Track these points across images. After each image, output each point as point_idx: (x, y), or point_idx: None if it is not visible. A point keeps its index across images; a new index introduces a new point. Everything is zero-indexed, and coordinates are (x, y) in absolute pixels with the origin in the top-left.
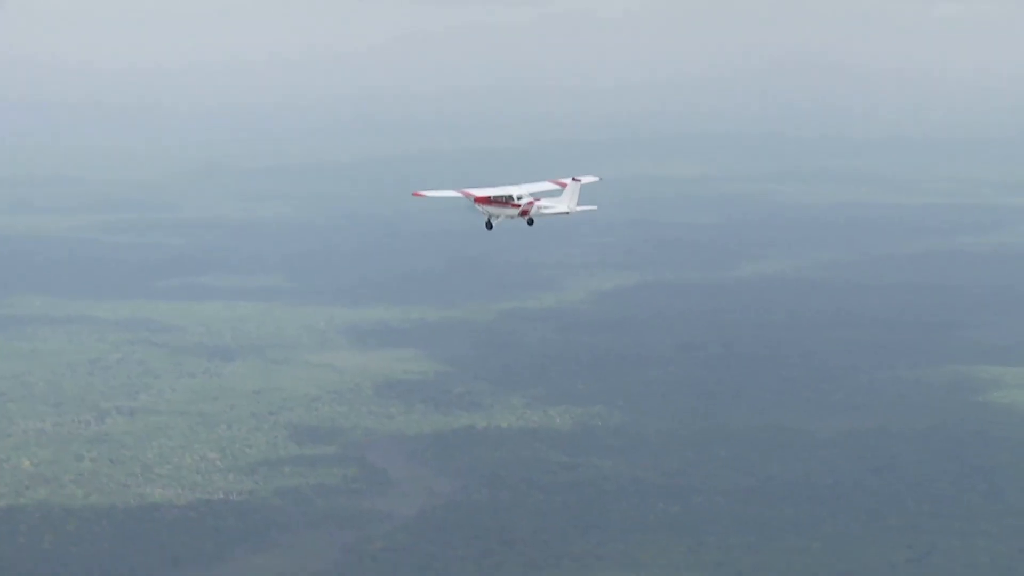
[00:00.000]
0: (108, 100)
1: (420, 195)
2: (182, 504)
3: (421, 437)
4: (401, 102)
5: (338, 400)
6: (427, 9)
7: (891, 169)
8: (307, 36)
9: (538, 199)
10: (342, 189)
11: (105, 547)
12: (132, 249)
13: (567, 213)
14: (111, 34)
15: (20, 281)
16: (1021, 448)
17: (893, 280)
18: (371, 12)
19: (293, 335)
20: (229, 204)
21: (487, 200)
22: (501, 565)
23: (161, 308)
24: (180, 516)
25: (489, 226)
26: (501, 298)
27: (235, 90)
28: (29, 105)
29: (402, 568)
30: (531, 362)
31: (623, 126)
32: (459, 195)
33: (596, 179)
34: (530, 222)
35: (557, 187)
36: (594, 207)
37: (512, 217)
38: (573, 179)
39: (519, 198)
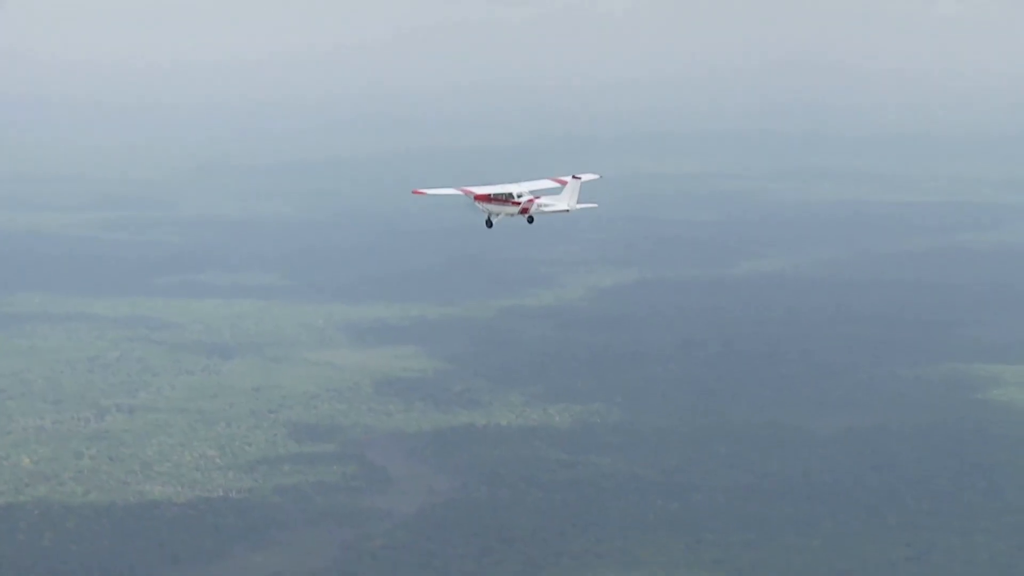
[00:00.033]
0: (107, 98)
1: (420, 193)
2: (181, 502)
3: (420, 435)
4: (400, 99)
5: (337, 398)
6: (427, 6)
7: (891, 167)
8: (307, 33)
9: (538, 197)
10: (341, 186)
11: (105, 545)
12: (131, 246)
13: (567, 211)
14: (111, 32)
15: (19, 278)
16: (1020, 446)
17: (892, 278)
18: (370, 9)
19: (292, 333)
20: (228, 202)
21: (487, 198)
22: (500, 563)
23: (160, 305)
24: (179, 514)
25: (489, 224)
26: (500, 295)
27: (234, 88)
28: (29, 102)
29: (401, 566)
30: (530, 359)
31: (623, 123)
32: (459, 193)
33: (596, 177)
34: (530, 220)
35: (557, 185)
36: (594, 205)
37: (512, 215)
38: (573, 177)
39: (519, 196)
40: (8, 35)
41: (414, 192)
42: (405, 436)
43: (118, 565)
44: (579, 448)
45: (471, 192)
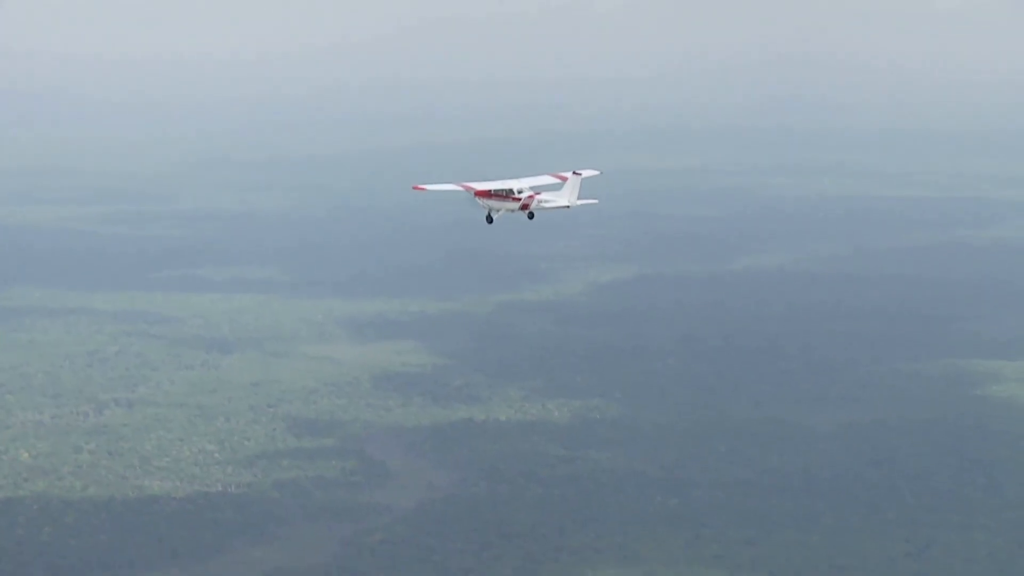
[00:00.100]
0: (106, 93)
1: (420, 188)
2: (180, 496)
3: (419, 430)
4: (400, 95)
5: (336, 393)
6: (426, 2)
7: (890, 163)
8: (306, 29)
9: (538, 193)
10: (340, 181)
11: (103, 539)
12: (130, 241)
13: (567, 207)
14: (110, 27)
15: (18, 272)
16: (1020, 442)
17: (892, 273)
18: (370, 5)
19: (291, 327)
20: (227, 196)
21: (487, 194)
22: (500, 558)
23: (159, 300)
24: (178, 508)
25: (489, 220)
26: (499, 291)
27: (233, 82)
28: (28, 97)
29: (401, 561)
30: (529, 355)
31: (622, 118)
32: (459, 188)
33: (597, 173)
34: (530, 216)
35: (558, 181)
36: (595, 201)
37: (512, 211)
38: (574, 173)
39: (519, 192)
40: (7, 31)
41: (415, 188)
42: (404, 431)
43: (117, 560)
44: (578, 443)
45: (471, 188)
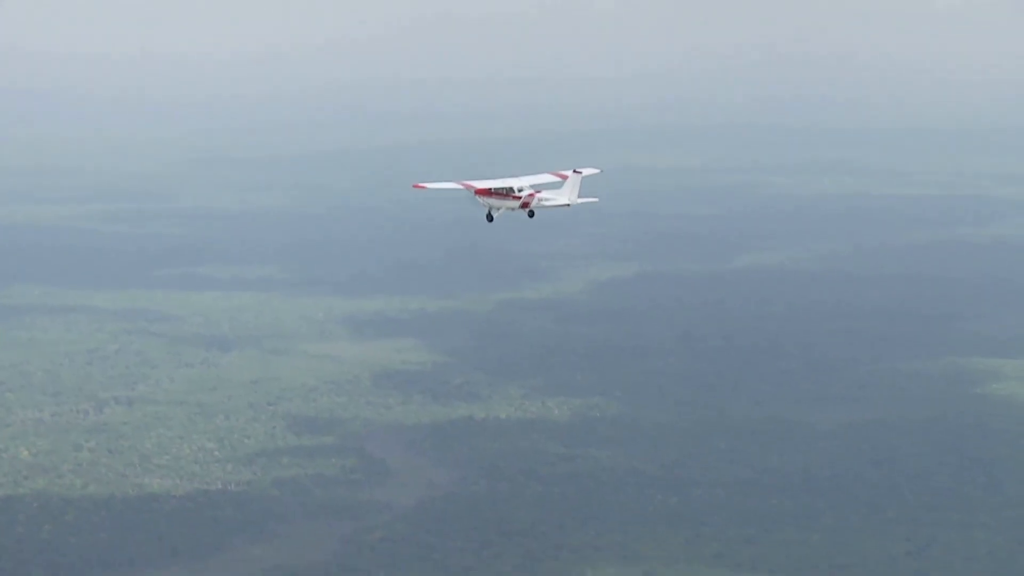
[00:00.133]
0: (106, 91)
1: (421, 187)
2: (180, 494)
3: (419, 428)
4: (399, 93)
5: (336, 391)
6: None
7: (890, 161)
8: (306, 27)
9: (539, 191)
10: (340, 179)
11: (103, 537)
12: (130, 239)
13: (568, 205)
14: (110, 26)
15: (18, 270)
16: (1020, 440)
17: (892, 272)
18: (370, 3)
19: (291, 325)
20: (227, 194)
21: (488, 192)
22: (499, 556)
23: (159, 298)
24: (178, 506)
25: (490, 218)
26: (499, 289)
27: (234, 81)
28: (27, 95)
29: (400, 559)
30: (529, 353)
31: (621, 117)
32: (460, 187)
33: (597, 171)
34: (531, 214)
35: (558, 179)
36: (595, 199)
37: (513, 209)
38: (574, 171)
39: (520, 190)
40: (8, 29)
41: (415, 186)
42: (404, 429)
43: (117, 558)
44: (578, 442)
45: (472, 186)
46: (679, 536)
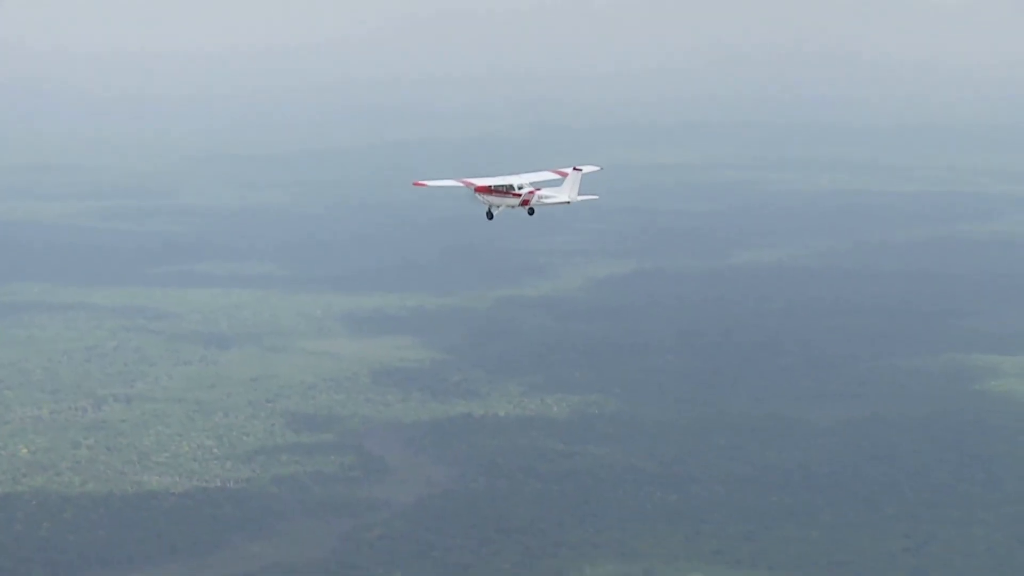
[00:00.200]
0: (105, 88)
1: (421, 184)
2: (179, 492)
3: (418, 425)
4: (399, 90)
5: (335, 388)
6: None
7: (888, 157)
8: (304, 23)
9: (539, 189)
10: (339, 176)
11: (102, 535)
12: (129, 236)
13: (568, 203)
14: (110, 23)
15: (17, 268)
16: (1019, 437)
17: (890, 268)
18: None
19: (290, 323)
20: (226, 191)
21: (488, 190)
22: (498, 553)
23: (158, 295)
24: (177, 504)
25: (490, 216)
26: (498, 286)
27: (232, 78)
28: (27, 92)
29: (399, 556)
30: (528, 350)
31: (619, 114)
32: (460, 184)
33: (597, 169)
34: (531, 212)
35: (558, 177)
36: (595, 196)
37: (513, 207)
38: (574, 169)
39: (520, 188)
40: (7, 26)
41: (415, 184)
42: (403, 426)
43: (116, 555)
44: (577, 439)
45: (472, 184)
46: (678, 533)
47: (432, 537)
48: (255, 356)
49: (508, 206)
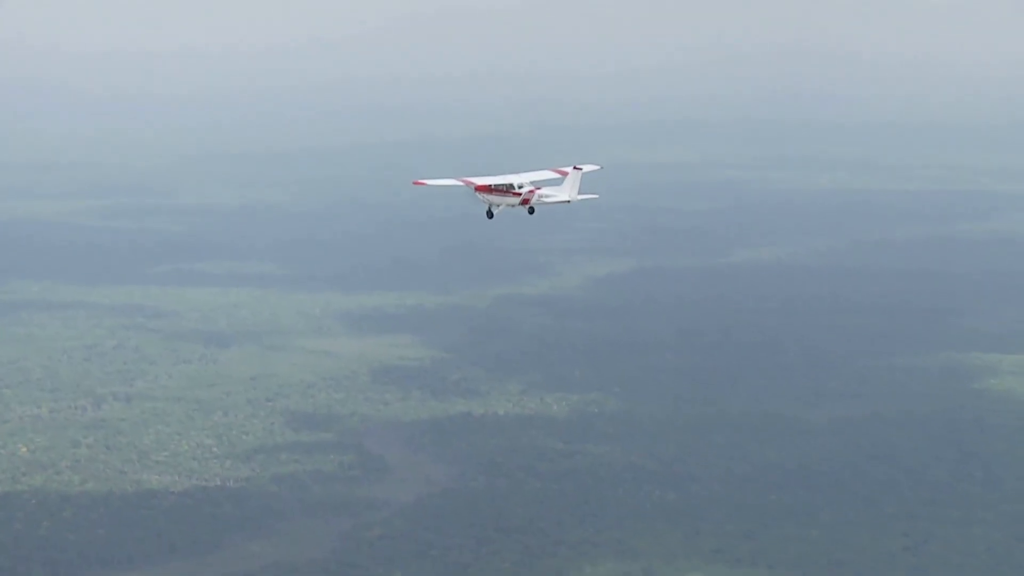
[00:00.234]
0: (104, 86)
1: (421, 183)
2: (178, 491)
3: (418, 424)
4: (398, 88)
5: (334, 387)
6: None
7: (887, 156)
8: (303, 22)
9: (539, 188)
10: (337, 175)
11: (101, 534)
12: (128, 235)
13: (568, 202)
14: (109, 21)
15: (16, 266)
16: (1017, 436)
17: (889, 267)
18: None
19: (289, 321)
20: (225, 190)
21: (488, 189)
22: (498, 552)
23: (157, 294)
24: (176, 503)
25: (490, 215)
26: (497, 284)
27: (232, 76)
28: (26, 90)
29: (399, 555)
30: (527, 348)
31: (619, 113)
32: (460, 184)
33: (597, 168)
34: (531, 211)
35: (558, 176)
36: (595, 195)
37: (513, 206)
38: (575, 168)
39: (520, 187)
40: (7, 24)
41: (415, 183)
42: (402, 425)
43: (115, 554)
44: (576, 437)
45: (472, 183)
46: (677, 532)
47: (431, 536)
48: (254, 355)
49: (508, 205)
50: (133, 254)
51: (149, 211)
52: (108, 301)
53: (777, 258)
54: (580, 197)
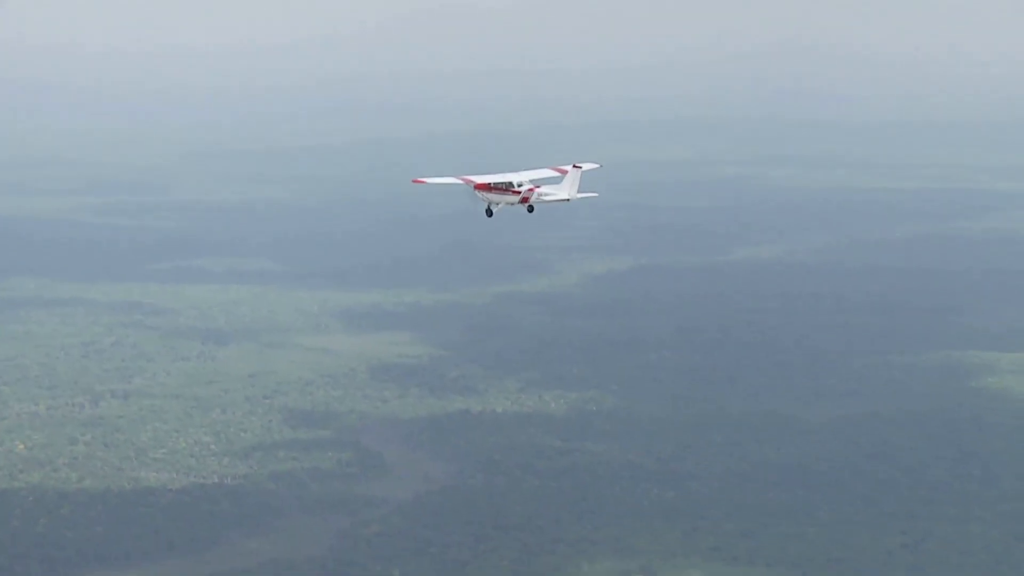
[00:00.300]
0: (102, 83)
1: (420, 182)
2: (176, 488)
3: (416, 421)
4: (397, 85)
5: (332, 384)
6: None
7: (885, 154)
8: (302, 19)
9: (538, 186)
10: (335, 172)
11: (99, 531)
12: (126, 232)
13: (567, 200)
14: (106, 17)
15: (14, 263)
16: (1015, 434)
17: (888, 265)
18: None
19: (287, 319)
20: (223, 187)
21: (487, 187)
22: (496, 550)
23: (155, 291)
24: (174, 500)
25: (489, 213)
26: (495, 282)
27: (230, 73)
28: (25, 88)
29: (397, 553)
30: (525, 346)
31: (618, 111)
32: (459, 182)
33: (597, 166)
34: (530, 209)
35: (557, 174)
36: (595, 194)
37: (512, 204)
38: (574, 166)
39: (519, 185)
40: (7, 22)
41: (414, 181)
42: (400, 422)
43: (113, 551)
44: (574, 435)
45: (471, 181)
46: (676, 530)
47: (430, 533)
48: (252, 352)
49: (508, 203)
50: (132, 251)
51: (148, 208)
52: (106, 298)
53: (776, 256)
54: (579, 195)
